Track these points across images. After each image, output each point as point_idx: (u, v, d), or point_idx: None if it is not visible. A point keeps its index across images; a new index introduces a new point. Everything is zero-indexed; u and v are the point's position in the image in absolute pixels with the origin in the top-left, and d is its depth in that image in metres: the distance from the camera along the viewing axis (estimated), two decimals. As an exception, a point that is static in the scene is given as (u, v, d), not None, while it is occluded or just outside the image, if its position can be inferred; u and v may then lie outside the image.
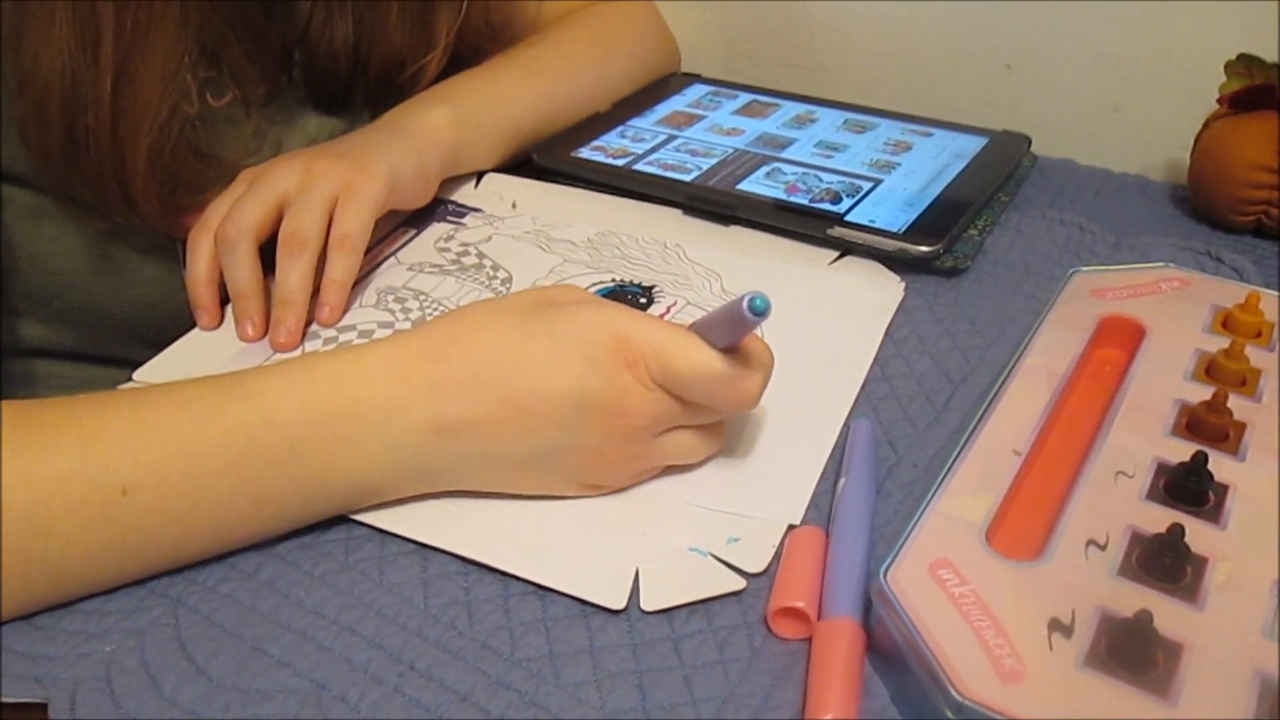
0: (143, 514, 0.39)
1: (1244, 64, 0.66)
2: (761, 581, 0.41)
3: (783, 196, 0.64)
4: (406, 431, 0.41)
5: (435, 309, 0.56)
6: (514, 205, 0.66)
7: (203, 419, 0.40)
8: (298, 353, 0.53)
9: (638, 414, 0.42)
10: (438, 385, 0.41)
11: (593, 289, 0.57)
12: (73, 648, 0.40)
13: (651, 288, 0.58)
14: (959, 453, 0.44)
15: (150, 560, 0.41)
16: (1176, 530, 0.38)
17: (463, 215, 0.65)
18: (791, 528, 0.43)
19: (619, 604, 0.40)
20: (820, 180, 0.66)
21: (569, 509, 0.44)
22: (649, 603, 0.40)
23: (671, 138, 0.73)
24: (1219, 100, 0.66)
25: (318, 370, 0.42)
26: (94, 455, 0.39)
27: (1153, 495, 0.42)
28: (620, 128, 0.74)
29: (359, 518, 0.44)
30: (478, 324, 0.43)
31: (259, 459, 0.40)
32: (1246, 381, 0.48)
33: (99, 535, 0.39)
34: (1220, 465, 0.42)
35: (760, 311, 0.38)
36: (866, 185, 0.65)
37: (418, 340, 0.43)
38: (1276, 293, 0.54)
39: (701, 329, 0.42)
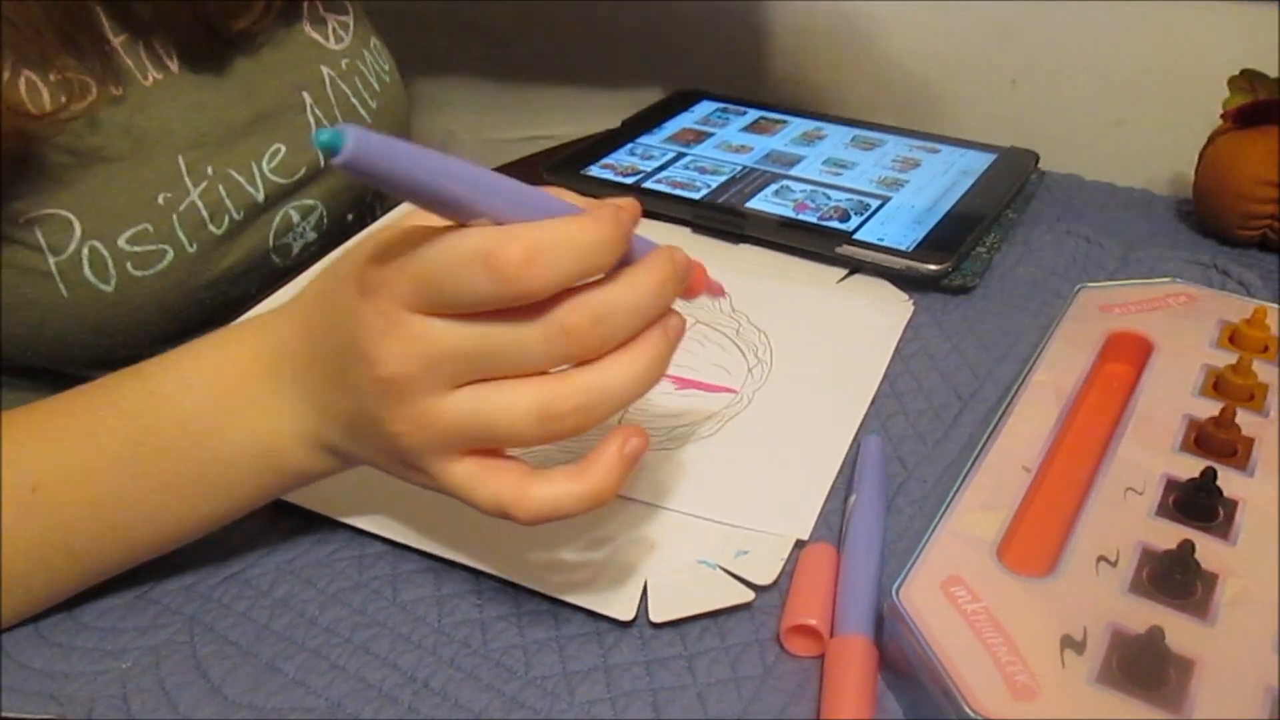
0: (54, 510, 0.39)
1: (1247, 79, 0.67)
2: (773, 599, 0.42)
3: (791, 214, 0.64)
4: (277, 395, 0.39)
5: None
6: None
7: (100, 405, 0.40)
8: None
9: (382, 358, 0.33)
10: (288, 347, 0.38)
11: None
12: (89, 665, 0.40)
13: (661, 305, 0.58)
14: (969, 469, 0.44)
15: (80, 558, 0.40)
16: (1187, 546, 0.38)
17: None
18: (800, 542, 0.44)
19: (627, 615, 0.40)
20: (829, 198, 0.66)
21: (578, 523, 0.44)
22: (657, 614, 0.40)
23: (680, 155, 0.73)
24: (1223, 115, 0.67)
25: (203, 343, 0.41)
26: (6, 455, 0.39)
27: (1163, 511, 0.42)
28: (629, 145, 0.75)
29: (370, 528, 0.44)
30: (319, 274, 0.38)
31: (153, 441, 0.39)
32: (1254, 397, 0.48)
33: (20, 537, 0.39)
34: (1229, 481, 0.42)
35: (324, 145, 0.28)
36: (875, 203, 0.66)
37: (286, 305, 0.40)
38: (1283, 308, 0.54)
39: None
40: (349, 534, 0.45)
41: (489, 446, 0.35)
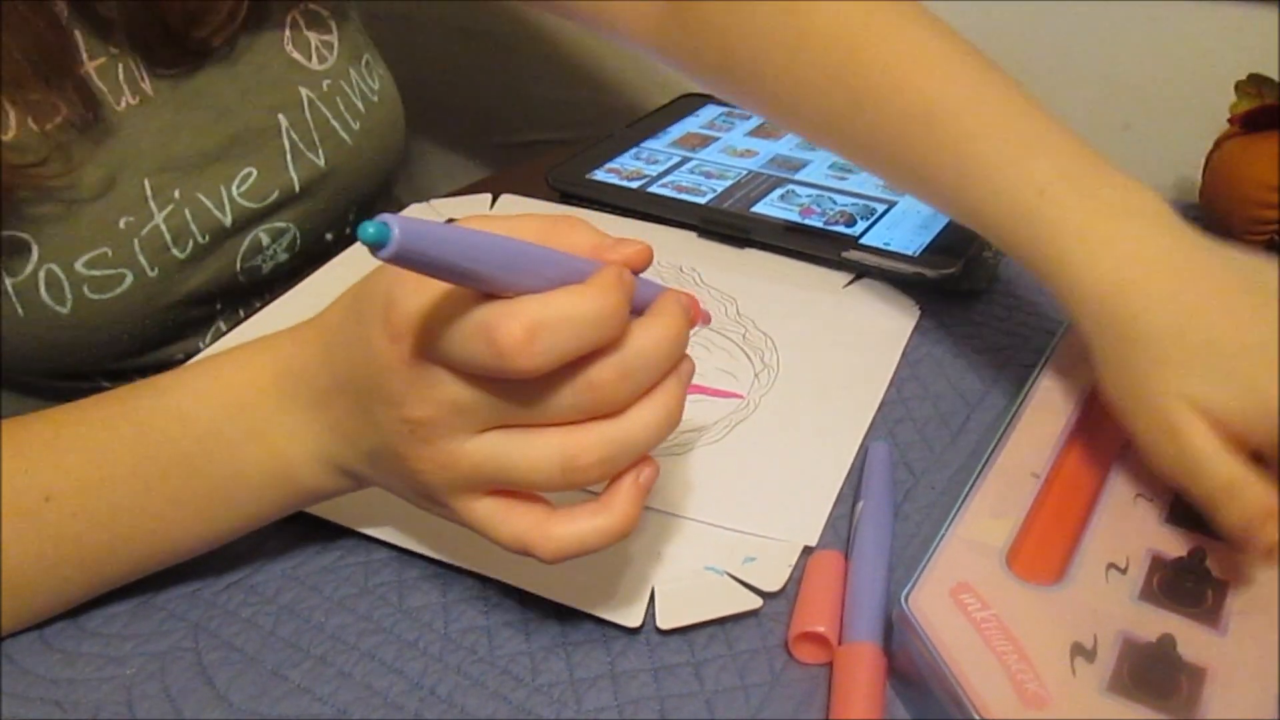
0: (67, 520, 0.39)
1: (1254, 84, 0.66)
2: (781, 605, 0.41)
3: (797, 219, 0.64)
4: (296, 417, 0.38)
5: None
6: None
7: (116, 417, 0.40)
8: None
9: (409, 401, 0.33)
10: (307, 371, 0.38)
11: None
12: (93, 671, 0.40)
13: (667, 310, 0.58)
14: (977, 476, 0.44)
15: (90, 568, 0.40)
16: (1198, 554, 0.38)
17: (477, 238, 0.65)
18: (808, 549, 0.43)
19: (635, 622, 0.40)
20: (835, 202, 0.66)
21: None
22: (665, 621, 0.40)
23: (685, 159, 0.73)
24: (1230, 120, 0.66)
25: (220, 360, 0.40)
26: (17, 465, 0.39)
27: (1173, 518, 0.41)
28: (634, 149, 0.74)
29: (376, 535, 0.44)
30: (342, 304, 0.38)
31: (168, 456, 0.39)
32: (1264, 403, 0.48)
33: (30, 544, 0.39)
34: (1240, 488, 0.42)
35: (370, 240, 0.26)
36: (881, 207, 0.66)
37: (304, 327, 0.39)
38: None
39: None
40: (355, 540, 0.45)
41: (510, 489, 0.35)
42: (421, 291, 0.32)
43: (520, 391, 0.33)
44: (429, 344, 0.32)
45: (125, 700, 0.39)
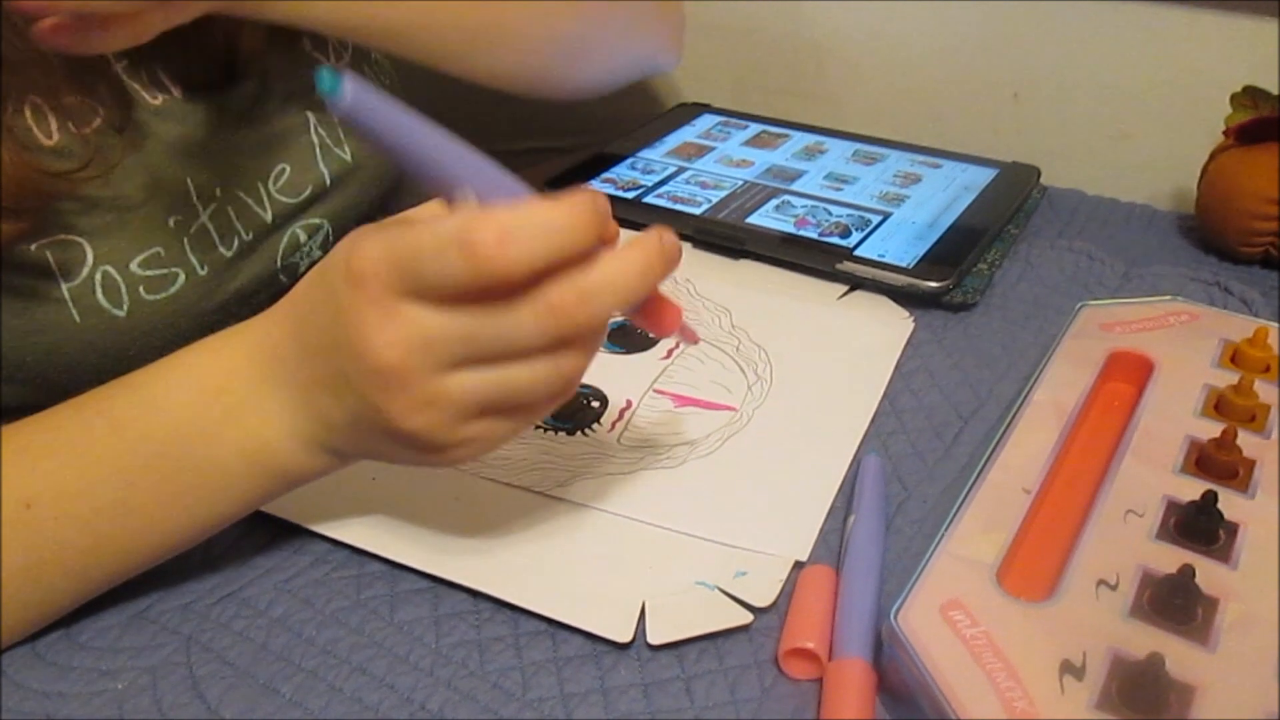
0: (49, 525, 0.39)
1: (1249, 96, 0.67)
2: (772, 621, 0.41)
3: (792, 230, 0.64)
4: (271, 397, 0.39)
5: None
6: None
7: (91, 417, 0.40)
8: None
9: (376, 346, 0.34)
10: (279, 349, 0.38)
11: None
12: (85, 685, 0.40)
13: (661, 321, 0.58)
14: (968, 491, 0.44)
15: (76, 572, 0.40)
16: (1187, 571, 0.38)
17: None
18: (799, 563, 0.43)
19: (625, 637, 0.40)
20: (830, 213, 0.66)
21: (577, 543, 0.44)
22: (655, 636, 0.40)
23: (681, 169, 0.73)
24: (1225, 133, 0.67)
25: (194, 349, 0.40)
26: None
27: (1163, 534, 0.41)
28: (630, 159, 0.75)
29: (369, 547, 0.44)
30: (306, 275, 0.39)
31: (146, 450, 0.39)
32: (1256, 418, 0.48)
33: (15, 554, 0.39)
34: (1230, 503, 0.42)
35: (326, 90, 0.30)
36: (876, 218, 0.66)
37: (274, 308, 0.40)
38: (1284, 326, 0.54)
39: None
40: (347, 553, 0.45)
41: (504, 408, 0.36)
42: (381, 231, 0.33)
43: (487, 316, 0.33)
44: (397, 272, 0.33)
45: (117, 714, 0.39)
